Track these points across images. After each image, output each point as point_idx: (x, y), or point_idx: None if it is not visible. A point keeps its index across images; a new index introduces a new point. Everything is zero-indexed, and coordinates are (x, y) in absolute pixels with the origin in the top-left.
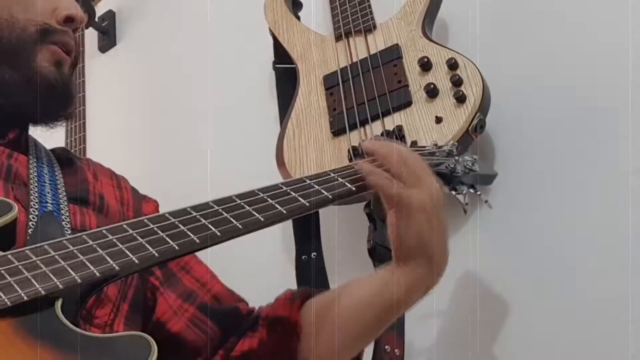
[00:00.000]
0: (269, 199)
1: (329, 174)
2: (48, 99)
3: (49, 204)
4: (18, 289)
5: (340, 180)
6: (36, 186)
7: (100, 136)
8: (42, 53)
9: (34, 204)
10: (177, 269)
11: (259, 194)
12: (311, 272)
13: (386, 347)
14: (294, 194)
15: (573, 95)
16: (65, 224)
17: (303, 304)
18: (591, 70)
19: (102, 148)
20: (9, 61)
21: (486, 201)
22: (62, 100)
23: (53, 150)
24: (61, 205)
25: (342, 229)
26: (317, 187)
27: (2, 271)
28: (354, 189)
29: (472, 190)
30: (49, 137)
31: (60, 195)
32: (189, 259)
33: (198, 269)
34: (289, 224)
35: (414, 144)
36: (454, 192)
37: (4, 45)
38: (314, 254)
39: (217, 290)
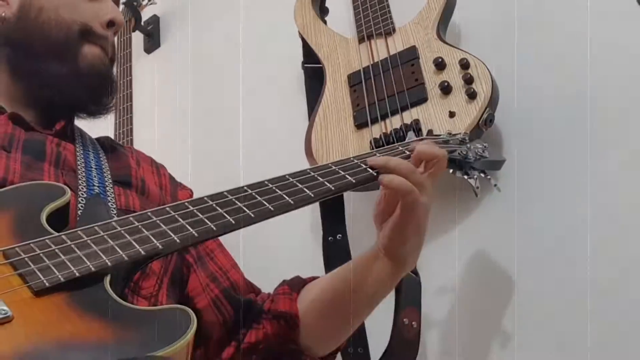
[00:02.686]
0: (298, 184)
1: (353, 160)
2: (93, 87)
3: (95, 187)
4: (71, 266)
5: (363, 166)
6: (83, 171)
7: (145, 129)
8: (84, 50)
9: (82, 188)
10: (204, 254)
11: (289, 179)
12: (337, 252)
13: (404, 319)
14: (320, 178)
15: (574, 91)
16: (111, 204)
17: (299, 294)
18: (591, 68)
19: (147, 140)
20: (56, 57)
21: (495, 185)
22: (106, 88)
23: (98, 139)
24: (107, 188)
25: (365, 213)
26: (341, 172)
27: (57, 250)
28: (375, 173)
29: (482, 175)
30: (100, 129)
31: (106, 179)
32: (214, 247)
33: (221, 258)
34: (316, 208)
35: (430, 132)
36: (466, 177)
37: (52, 42)
38: (340, 235)
39: (235, 279)
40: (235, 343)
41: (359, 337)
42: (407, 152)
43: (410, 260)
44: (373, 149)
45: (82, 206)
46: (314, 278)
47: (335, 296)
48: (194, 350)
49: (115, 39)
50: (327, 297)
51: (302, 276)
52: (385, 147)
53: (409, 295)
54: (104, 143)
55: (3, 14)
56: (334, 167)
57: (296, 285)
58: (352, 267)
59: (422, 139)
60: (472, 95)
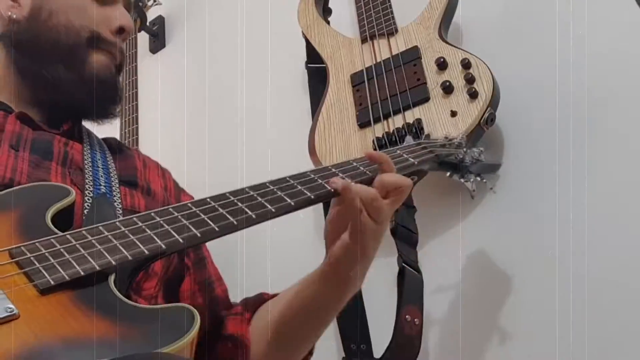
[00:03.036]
0: (298, 185)
1: (352, 163)
2: (98, 96)
3: (102, 187)
4: (75, 264)
5: (362, 168)
6: (90, 171)
7: (151, 128)
8: (93, 57)
9: (88, 187)
10: (197, 260)
11: (290, 181)
12: None
13: (407, 317)
14: (320, 180)
15: (574, 91)
16: (117, 204)
17: (254, 314)
18: (592, 68)
19: (152, 139)
20: (64, 61)
21: (491, 188)
22: (110, 97)
23: (105, 140)
24: (113, 188)
25: None
26: (341, 174)
27: (62, 249)
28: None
29: (478, 178)
30: (106, 129)
31: (112, 179)
32: (207, 256)
33: (210, 267)
34: (319, 207)
35: (427, 136)
36: (462, 180)
37: (61, 47)
38: None
39: (217, 294)
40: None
41: (362, 334)
42: (369, 174)
43: (357, 282)
44: (376, 148)
45: (88, 205)
46: (274, 295)
47: (286, 316)
48: None
49: (123, 50)
50: (278, 317)
51: (305, 272)
52: (378, 151)
53: (411, 293)
54: (111, 144)
55: (14, 16)
56: (333, 170)
57: (251, 304)
58: (300, 287)
59: (419, 144)
60: (473, 95)
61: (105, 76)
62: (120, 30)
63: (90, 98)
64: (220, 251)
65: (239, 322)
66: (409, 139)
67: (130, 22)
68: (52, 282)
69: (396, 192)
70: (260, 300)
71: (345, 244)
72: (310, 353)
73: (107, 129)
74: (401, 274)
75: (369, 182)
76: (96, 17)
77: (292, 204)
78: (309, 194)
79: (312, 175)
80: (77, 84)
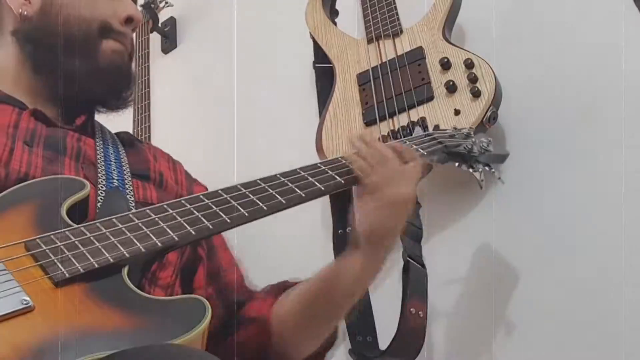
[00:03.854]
0: (308, 177)
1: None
2: (113, 81)
3: (115, 180)
4: (90, 257)
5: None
6: (103, 165)
7: (163, 126)
8: (105, 45)
9: (101, 181)
10: (209, 249)
11: (300, 173)
12: (346, 244)
13: (411, 309)
14: (330, 172)
15: (573, 90)
16: (130, 197)
17: (277, 298)
18: (589, 68)
19: (165, 136)
20: (77, 53)
21: (499, 177)
22: (124, 83)
23: (117, 134)
24: (126, 181)
25: None
26: (350, 166)
27: (77, 242)
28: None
29: (487, 168)
30: (119, 125)
31: (125, 172)
32: (219, 244)
33: (223, 255)
34: (327, 201)
35: (436, 127)
36: (471, 170)
37: (73, 39)
38: (349, 228)
39: (230, 279)
40: (223, 341)
41: (368, 326)
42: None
43: (375, 252)
44: None
45: (101, 199)
46: (296, 282)
47: (311, 297)
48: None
49: (134, 38)
50: (306, 298)
51: (313, 267)
52: (391, 142)
53: (415, 286)
54: (124, 138)
55: (25, 13)
56: (343, 161)
57: (275, 289)
58: (330, 266)
59: (428, 134)
60: (476, 94)
61: (118, 63)
62: (129, 20)
63: (105, 85)
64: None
65: (262, 305)
66: (418, 130)
67: (138, 12)
68: (67, 275)
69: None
70: (284, 285)
71: (359, 210)
72: (335, 337)
73: (121, 127)
74: (406, 268)
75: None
76: (105, 9)
77: (303, 195)
78: (319, 185)
79: (322, 167)
80: (92, 73)
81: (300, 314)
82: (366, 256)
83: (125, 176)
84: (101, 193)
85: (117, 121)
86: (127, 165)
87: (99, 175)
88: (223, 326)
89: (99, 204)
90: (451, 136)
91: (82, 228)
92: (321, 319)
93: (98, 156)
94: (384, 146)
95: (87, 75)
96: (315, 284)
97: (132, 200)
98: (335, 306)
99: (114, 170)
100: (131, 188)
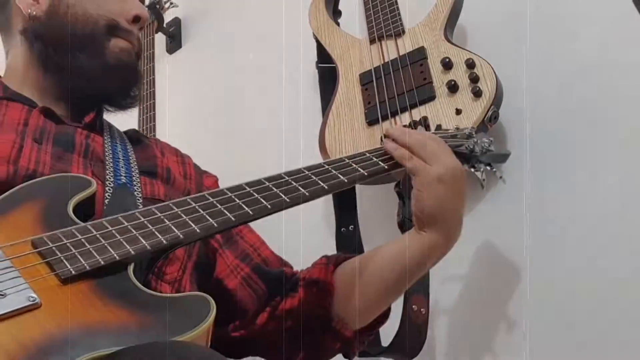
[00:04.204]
0: (312, 176)
1: (365, 154)
2: (121, 78)
3: (122, 177)
4: (96, 254)
5: (375, 159)
6: (111, 162)
7: (168, 125)
8: (111, 44)
9: (109, 178)
10: (234, 233)
11: (304, 172)
12: (349, 242)
13: (413, 306)
14: (334, 171)
15: (573, 89)
16: (137, 193)
17: (336, 268)
18: (589, 68)
19: (169, 135)
20: (86, 50)
21: (501, 177)
22: (131, 81)
23: (125, 132)
24: (133, 178)
25: (375, 206)
26: (354, 165)
27: (83, 239)
28: (386, 167)
29: (488, 168)
30: (125, 123)
31: (133, 169)
32: (243, 228)
33: (250, 236)
34: (329, 200)
35: (438, 127)
36: (472, 169)
37: (81, 37)
38: (352, 226)
39: (266, 255)
40: (269, 309)
41: None
42: (381, 164)
43: (439, 225)
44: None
45: (109, 195)
46: (351, 256)
47: (373, 272)
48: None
49: (140, 38)
50: (365, 273)
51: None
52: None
53: (417, 284)
54: (131, 136)
55: (34, 12)
56: (347, 160)
57: (334, 258)
58: (392, 243)
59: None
60: (477, 94)
61: (126, 61)
62: (136, 19)
63: (113, 83)
64: None
65: (324, 270)
66: (420, 130)
67: (145, 11)
68: (73, 272)
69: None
70: (342, 257)
71: (427, 210)
72: (386, 316)
73: (126, 124)
74: None
75: (381, 172)
76: (112, 8)
77: (307, 194)
78: (322, 184)
79: (326, 166)
80: (100, 70)
81: (360, 286)
82: (433, 236)
83: (133, 173)
84: (109, 190)
85: (123, 120)
86: (135, 162)
87: (107, 172)
88: (268, 298)
89: (106, 201)
90: (453, 136)
91: (89, 226)
92: (380, 294)
93: (106, 153)
94: (417, 132)
95: (95, 73)
96: (377, 261)
97: (140, 197)
98: (396, 284)
99: (121, 167)
100: (139, 184)
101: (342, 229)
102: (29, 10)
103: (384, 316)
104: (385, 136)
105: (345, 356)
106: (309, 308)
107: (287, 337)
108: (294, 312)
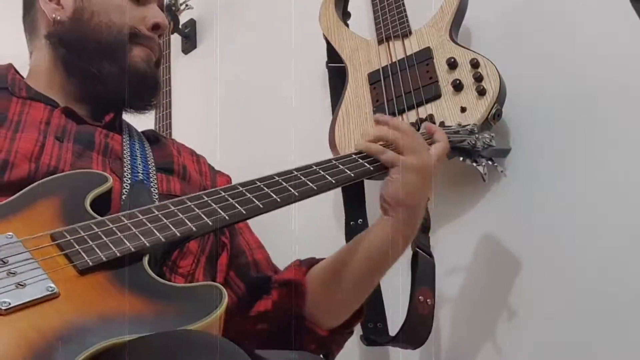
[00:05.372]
0: (321, 171)
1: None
2: (140, 86)
3: (140, 174)
4: (112, 246)
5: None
6: (129, 159)
7: (183, 123)
8: (134, 51)
9: (127, 175)
10: (235, 232)
11: (313, 167)
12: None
13: (420, 297)
14: (341, 166)
15: (573, 88)
16: (154, 189)
17: (309, 270)
18: (589, 67)
19: (185, 133)
20: (108, 57)
21: (502, 171)
22: (151, 87)
23: (143, 132)
24: (150, 175)
25: None
26: (361, 160)
27: (99, 232)
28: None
29: (490, 162)
30: (142, 123)
31: (150, 166)
32: (243, 227)
33: (249, 237)
34: (339, 194)
35: (442, 124)
36: (475, 164)
37: (103, 44)
38: (360, 220)
39: (259, 258)
40: (244, 314)
41: (378, 314)
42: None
43: (406, 211)
44: None
45: (126, 191)
46: (323, 258)
47: (340, 265)
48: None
49: (160, 45)
50: (333, 266)
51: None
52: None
53: (424, 275)
54: (149, 135)
55: (58, 17)
56: (354, 156)
57: (306, 261)
58: (357, 237)
59: None
60: (481, 92)
61: (145, 68)
62: (156, 27)
63: (133, 89)
64: None
65: (297, 272)
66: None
67: (165, 19)
68: (90, 263)
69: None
70: (313, 260)
71: (397, 195)
72: (362, 312)
73: (144, 123)
74: (414, 258)
75: (384, 167)
76: (134, 16)
77: (315, 188)
78: (330, 178)
79: (334, 162)
80: (121, 76)
81: (332, 281)
82: (397, 222)
83: (150, 170)
84: (126, 186)
85: (140, 118)
86: (152, 160)
87: (125, 169)
88: (245, 300)
89: (123, 196)
90: (456, 132)
91: (106, 219)
92: (352, 286)
93: (124, 151)
94: (401, 122)
95: (115, 78)
96: (346, 252)
97: (156, 193)
98: (366, 272)
99: (139, 164)
100: (155, 181)
101: (351, 223)
102: (54, 15)
103: (360, 312)
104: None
105: (325, 357)
106: (282, 308)
107: (262, 339)
108: (269, 314)
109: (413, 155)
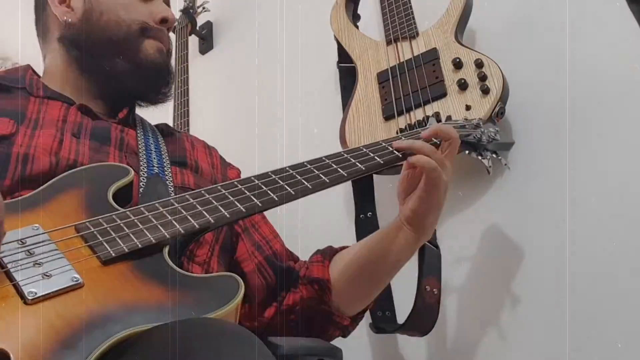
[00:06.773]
0: (333, 164)
1: (380, 143)
2: (154, 78)
3: (155, 167)
4: (134, 238)
5: (390, 148)
6: (144, 153)
7: (200, 120)
8: (145, 45)
9: (143, 168)
10: (249, 225)
11: (325, 160)
12: (367, 228)
13: (426, 287)
14: (352, 160)
15: (573, 86)
16: (169, 182)
17: (330, 262)
18: (589, 67)
19: (201, 129)
20: (120, 53)
21: (506, 164)
22: (164, 77)
23: (157, 126)
24: (165, 168)
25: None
26: (371, 154)
27: (122, 224)
28: (400, 155)
29: (494, 155)
30: (160, 120)
31: (164, 160)
32: (259, 219)
33: (265, 229)
34: (349, 189)
35: (449, 117)
36: (479, 157)
37: (115, 41)
38: (370, 213)
39: (277, 248)
40: (276, 304)
41: (387, 302)
42: (396, 153)
43: (430, 230)
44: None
45: (143, 184)
46: (343, 248)
47: (362, 264)
48: (240, 308)
49: (174, 41)
50: (355, 265)
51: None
52: (408, 132)
53: (430, 265)
54: (163, 129)
55: (69, 20)
56: (364, 150)
57: (328, 253)
58: (377, 237)
59: (442, 124)
60: (485, 91)
61: (158, 59)
62: (164, 21)
63: (146, 81)
64: None
65: (322, 268)
66: (432, 121)
67: (172, 13)
68: (113, 254)
69: (448, 144)
70: (334, 250)
71: (419, 198)
72: (374, 302)
73: (162, 120)
74: (421, 249)
75: (396, 160)
76: (142, 12)
77: (327, 180)
78: (342, 171)
79: (345, 155)
80: (134, 70)
81: (353, 278)
82: (418, 232)
83: (165, 163)
84: (143, 179)
85: (159, 115)
86: (166, 154)
87: (141, 162)
88: (273, 290)
89: (141, 189)
90: (462, 126)
91: (127, 212)
92: (372, 282)
93: (139, 145)
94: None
95: (129, 73)
96: (365, 253)
97: (171, 185)
98: (384, 271)
99: (154, 158)
100: (170, 174)
101: (361, 216)
102: (65, 18)
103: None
104: (401, 130)
105: (343, 336)
106: (311, 304)
107: (292, 328)
108: (297, 307)
109: (449, 175)
